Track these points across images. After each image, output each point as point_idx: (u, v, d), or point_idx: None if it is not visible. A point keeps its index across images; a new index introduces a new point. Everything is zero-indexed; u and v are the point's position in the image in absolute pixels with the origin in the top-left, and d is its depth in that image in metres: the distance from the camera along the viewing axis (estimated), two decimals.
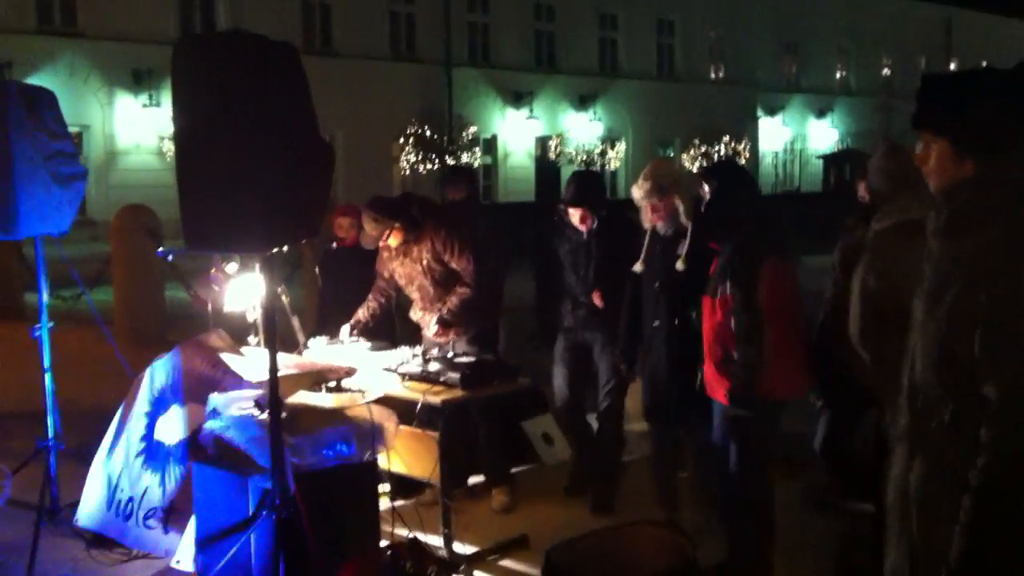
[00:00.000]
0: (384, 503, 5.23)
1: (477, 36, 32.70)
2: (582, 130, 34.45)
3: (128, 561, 5.19)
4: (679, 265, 4.98)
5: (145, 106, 25.48)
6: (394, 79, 29.39)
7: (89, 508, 5.39)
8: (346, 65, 27.82)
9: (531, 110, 33.28)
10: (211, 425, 4.39)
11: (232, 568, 4.20)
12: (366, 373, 5.39)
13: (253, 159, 3.78)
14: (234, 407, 4.38)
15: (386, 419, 4.53)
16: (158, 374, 5.20)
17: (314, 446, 4.21)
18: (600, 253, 5.70)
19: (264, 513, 4.03)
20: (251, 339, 5.81)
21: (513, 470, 6.33)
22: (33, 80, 24.00)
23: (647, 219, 5.16)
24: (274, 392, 3.99)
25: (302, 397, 4.61)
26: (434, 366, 5.26)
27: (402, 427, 5.17)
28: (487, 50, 32.95)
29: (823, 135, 43.19)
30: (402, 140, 29.99)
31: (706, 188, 4.53)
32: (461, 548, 5.24)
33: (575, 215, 5.73)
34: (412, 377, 5.26)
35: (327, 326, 6.11)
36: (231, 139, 3.79)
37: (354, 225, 6.62)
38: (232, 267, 5.48)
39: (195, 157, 3.91)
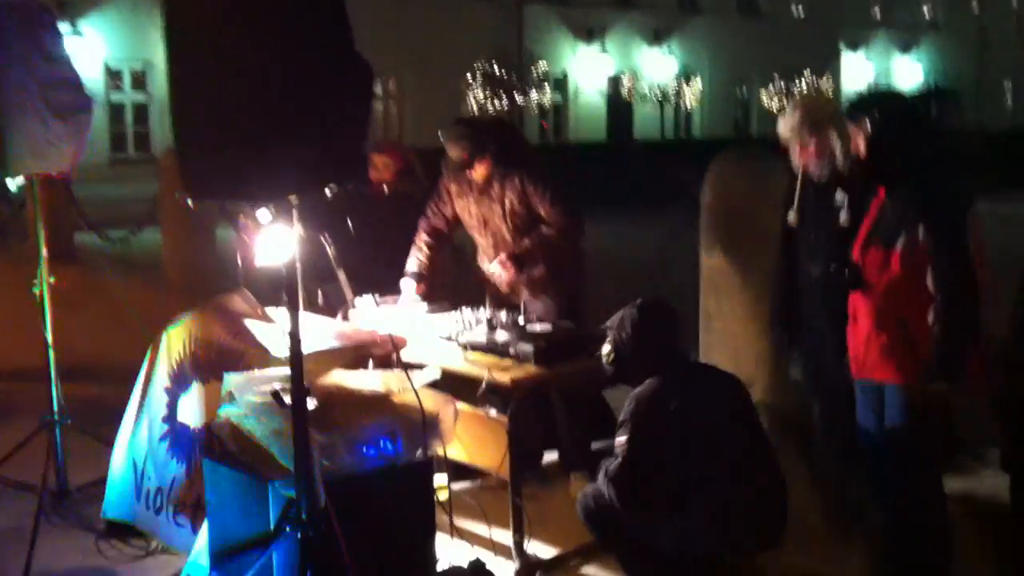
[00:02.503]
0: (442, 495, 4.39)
1: None
2: (656, 67, 33.08)
3: (142, 559, 4.41)
4: (843, 220, 4.12)
5: None
6: (464, 14, 28.27)
7: (117, 497, 4.61)
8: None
9: (603, 46, 31.97)
10: (227, 412, 3.54)
11: None
12: (421, 342, 4.52)
13: (267, 80, 2.89)
14: (253, 391, 3.52)
15: (442, 406, 3.64)
16: (174, 343, 4.37)
17: (351, 444, 3.35)
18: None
19: (287, 529, 3.18)
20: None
21: (595, 446, 5.46)
22: (94, 16, 23.54)
23: (796, 159, 4.29)
24: (298, 377, 3.11)
25: (339, 378, 3.73)
26: (502, 335, 4.35)
27: (465, 407, 4.30)
28: None
29: (908, 72, 41.13)
30: (470, 77, 28.98)
31: (867, 123, 3.64)
32: (534, 549, 4.39)
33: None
34: (475, 348, 4.38)
35: (360, 284, 5.22)
36: (237, 52, 2.89)
37: (389, 166, 5.71)
38: (264, 214, 4.61)
39: (192, 79, 3.02)
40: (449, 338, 4.50)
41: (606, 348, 3.83)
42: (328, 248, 5.19)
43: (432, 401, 3.63)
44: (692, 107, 34.07)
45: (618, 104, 32.53)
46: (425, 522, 3.60)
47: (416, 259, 5.24)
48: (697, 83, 33.80)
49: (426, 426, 3.48)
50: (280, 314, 4.57)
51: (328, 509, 3.21)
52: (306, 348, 3.87)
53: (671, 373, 3.68)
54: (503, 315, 4.63)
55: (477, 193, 5.02)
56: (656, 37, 33.08)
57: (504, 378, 4.07)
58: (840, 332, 3.93)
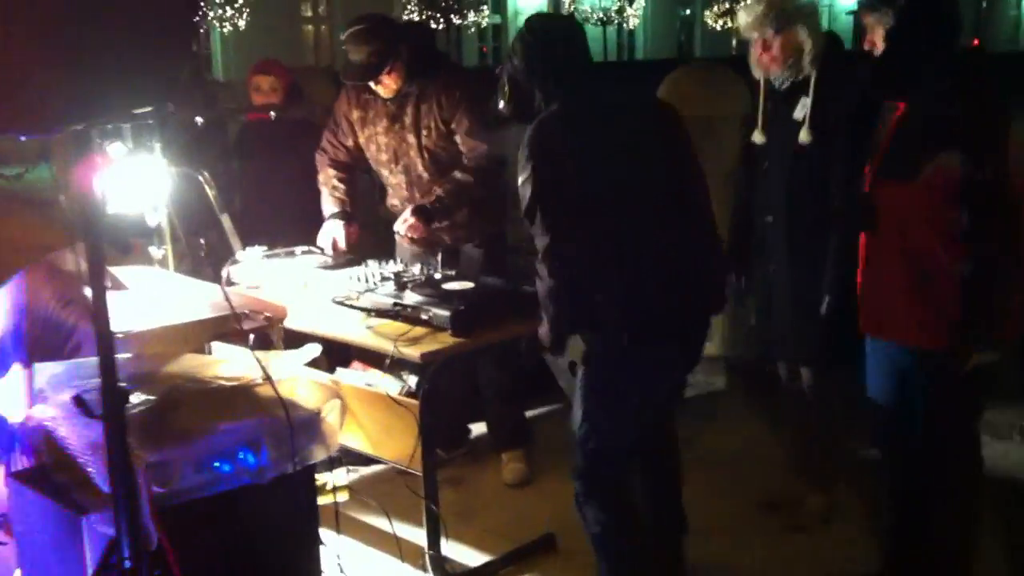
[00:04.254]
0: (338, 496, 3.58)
1: None
2: None
3: None
4: (803, 137, 3.42)
5: None
6: None
7: None
8: None
9: None
10: (39, 414, 2.67)
11: None
12: (312, 307, 3.66)
13: None
14: (73, 386, 2.64)
15: (325, 400, 2.79)
16: None
17: (197, 460, 2.49)
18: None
19: None
20: (153, 252, 4.06)
21: (529, 414, 4.67)
22: None
23: (756, 63, 3.50)
24: (110, 377, 2.23)
25: (192, 365, 2.86)
26: (412, 297, 3.49)
27: (374, 378, 3.48)
28: None
29: None
30: None
31: (871, 18, 2.93)
32: (455, 552, 3.60)
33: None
34: (380, 313, 3.52)
35: (250, 231, 4.32)
36: None
37: (277, 89, 4.79)
38: (117, 147, 3.68)
39: None
40: (347, 301, 3.64)
41: (500, 91, 3.06)
42: (208, 189, 4.30)
43: (313, 393, 2.78)
44: (635, 27, 33.14)
45: None
46: (302, 546, 2.77)
47: (334, 197, 4.31)
48: (640, 2, 32.84)
49: (301, 429, 2.62)
50: (134, 274, 3.70)
51: (163, 547, 2.38)
52: (148, 323, 3.02)
53: (571, 102, 2.94)
54: (416, 270, 3.78)
55: (387, 120, 4.12)
56: None
57: (413, 353, 3.23)
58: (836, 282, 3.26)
